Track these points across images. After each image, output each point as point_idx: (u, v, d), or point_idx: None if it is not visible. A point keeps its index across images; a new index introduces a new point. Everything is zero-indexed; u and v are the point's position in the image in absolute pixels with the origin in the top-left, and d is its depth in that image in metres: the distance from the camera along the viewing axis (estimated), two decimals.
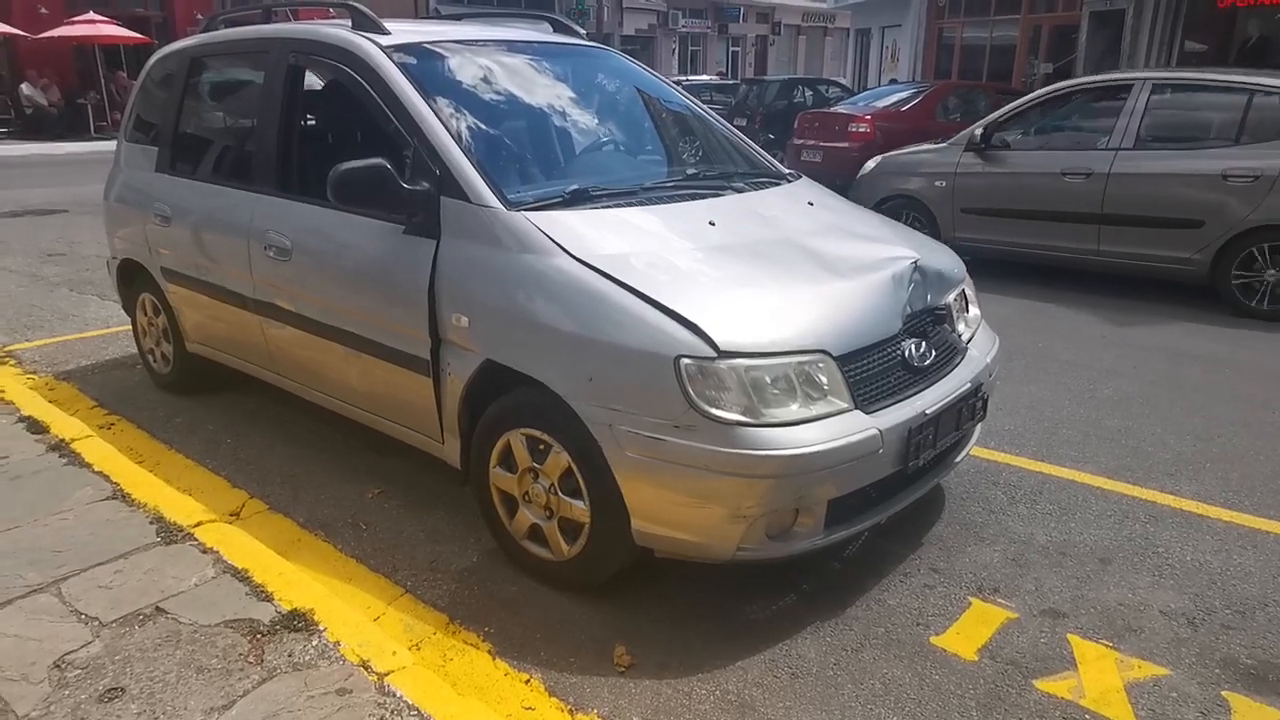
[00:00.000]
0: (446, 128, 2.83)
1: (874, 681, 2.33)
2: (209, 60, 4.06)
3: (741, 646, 2.46)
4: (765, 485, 2.27)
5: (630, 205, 2.86)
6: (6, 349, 5.02)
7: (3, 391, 4.04)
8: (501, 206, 2.65)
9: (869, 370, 2.50)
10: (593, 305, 2.41)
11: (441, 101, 2.94)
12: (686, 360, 2.25)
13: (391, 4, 10.93)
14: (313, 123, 4.12)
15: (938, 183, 7.04)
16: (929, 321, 2.81)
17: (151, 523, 2.85)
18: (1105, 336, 5.42)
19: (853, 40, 24.32)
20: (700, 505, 2.32)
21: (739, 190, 3.22)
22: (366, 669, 2.16)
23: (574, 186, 2.88)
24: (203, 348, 4.05)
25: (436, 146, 2.78)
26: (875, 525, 2.66)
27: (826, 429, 2.32)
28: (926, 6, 18.12)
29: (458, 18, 4.59)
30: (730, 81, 23.54)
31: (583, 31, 4.14)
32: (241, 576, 2.55)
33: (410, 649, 2.39)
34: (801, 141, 11.19)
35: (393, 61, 3.01)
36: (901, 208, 7.26)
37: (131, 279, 4.39)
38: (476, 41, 3.41)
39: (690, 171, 3.50)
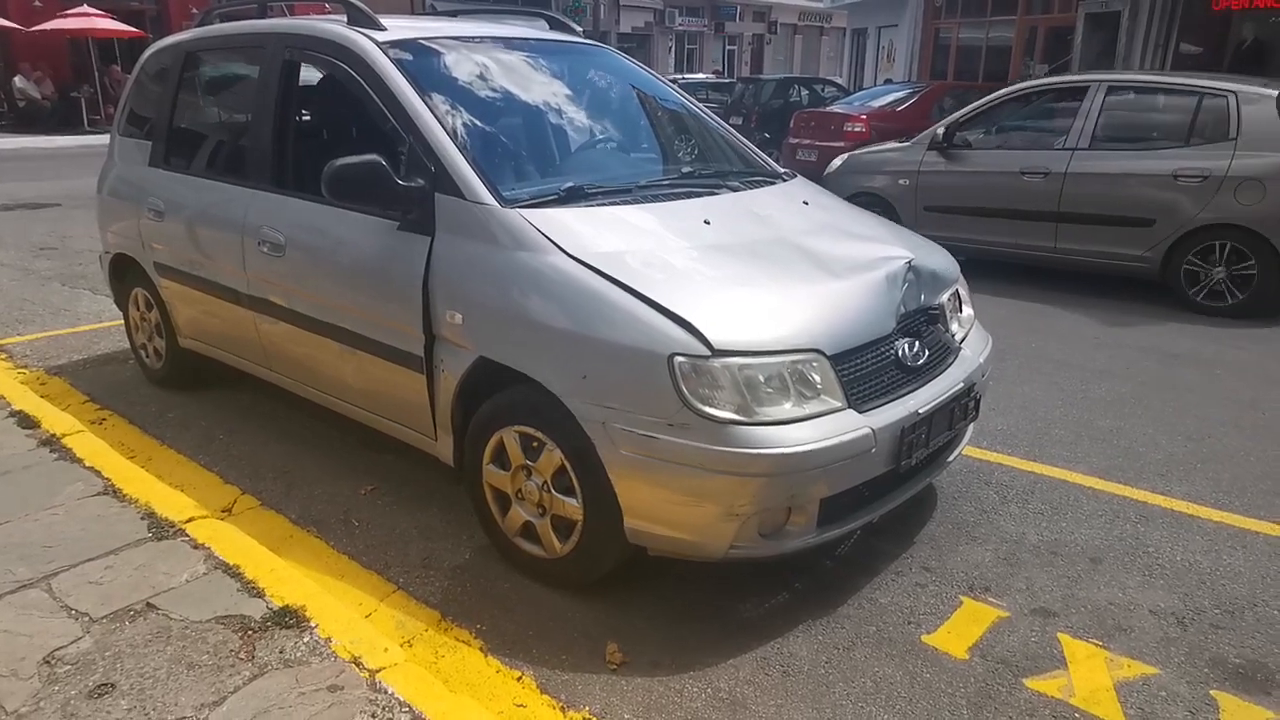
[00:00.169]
0: (442, 124, 2.83)
1: (865, 680, 2.34)
2: (204, 55, 4.04)
3: (734, 644, 2.47)
4: (758, 483, 2.27)
5: (625, 203, 2.86)
6: None
7: None
8: (496, 204, 2.65)
9: (862, 369, 2.51)
10: (587, 303, 2.41)
11: (437, 98, 2.94)
12: (680, 358, 2.26)
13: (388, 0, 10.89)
14: (308, 118, 4.11)
15: (901, 181, 7.16)
16: (922, 321, 2.81)
17: (143, 518, 2.84)
18: (1098, 337, 5.44)
19: (849, 40, 24.36)
20: (693, 503, 2.33)
21: (734, 189, 3.22)
22: (358, 665, 2.16)
23: (569, 184, 2.89)
24: (195, 343, 4.04)
25: (431, 143, 2.78)
26: (868, 524, 2.67)
27: (819, 428, 2.33)
28: (923, 7, 18.15)
29: (454, 14, 4.58)
30: (726, 80, 23.53)
31: (579, 29, 4.13)
32: (233, 572, 2.55)
33: (402, 646, 2.39)
34: (797, 141, 11.21)
35: (388, 57, 3.01)
36: (866, 205, 7.27)
37: (124, 274, 4.37)
38: (472, 38, 3.40)
39: (686, 170, 3.50)
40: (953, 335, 2.97)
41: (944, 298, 2.96)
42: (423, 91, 2.91)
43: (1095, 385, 4.57)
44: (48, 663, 2.17)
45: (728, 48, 39.89)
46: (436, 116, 2.84)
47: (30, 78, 19.83)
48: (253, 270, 3.41)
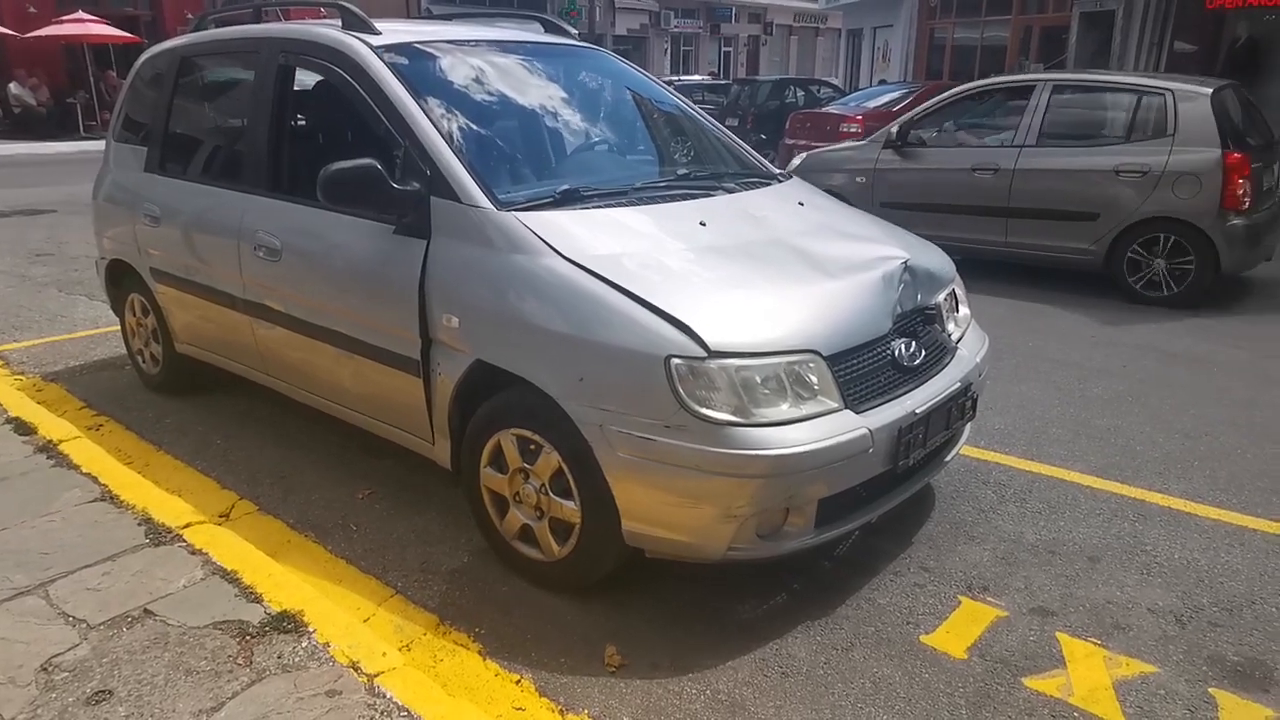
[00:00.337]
0: (437, 128, 2.83)
1: (864, 680, 2.34)
2: (199, 60, 4.04)
3: (732, 646, 2.47)
4: (756, 485, 2.27)
5: (621, 205, 2.86)
6: None
7: None
8: (492, 207, 2.65)
9: (859, 370, 2.51)
10: (584, 305, 2.41)
11: (432, 102, 2.94)
12: (677, 360, 2.26)
13: (382, 4, 10.93)
14: (303, 123, 4.10)
15: (858, 178, 7.30)
16: (919, 321, 2.82)
17: (140, 524, 2.84)
18: (1095, 336, 5.44)
19: (844, 41, 24.35)
20: (691, 505, 2.33)
21: (730, 190, 3.22)
22: (356, 670, 2.16)
23: (565, 186, 2.88)
24: (192, 348, 4.03)
25: (427, 147, 2.78)
26: (865, 524, 2.67)
27: (817, 428, 2.33)
28: (917, 7, 18.17)
29: (449, 18, 4.59)
30: (722, 82, 23.58)
31: (574, 31, 4.13)
32: (231, 578, 2.54)
33: (400, 650, 2.39)
34: (793, 141, 11.24)
35: (383, 61, 3.01)
36: None
37: (120, 279, 4.37)
38: (467, 42, 3.41)
39: (681, 172, 3.50)
40: (949, 335, 2.97)
41: (940, 297, 2.97)
42: (418, 95, 2.91)
43: (1093, 384, 4.57)
44: (45, 670, 2.16)
45: (723, 49, 39.93)
46: (431, 120, 2.84)
47: (25, 84, 19.80)
48: (249, 275, 3.41)
